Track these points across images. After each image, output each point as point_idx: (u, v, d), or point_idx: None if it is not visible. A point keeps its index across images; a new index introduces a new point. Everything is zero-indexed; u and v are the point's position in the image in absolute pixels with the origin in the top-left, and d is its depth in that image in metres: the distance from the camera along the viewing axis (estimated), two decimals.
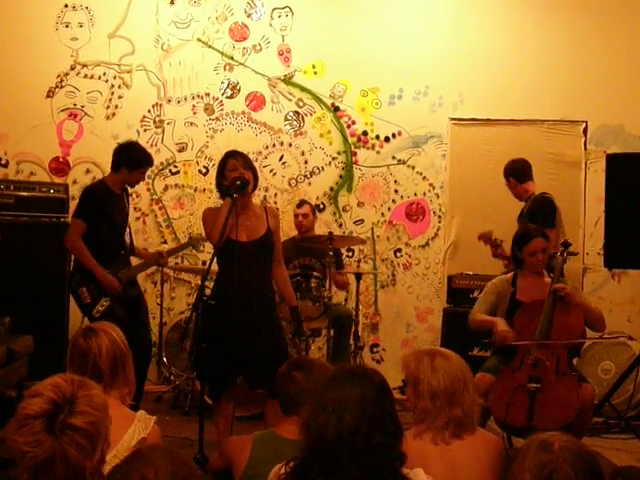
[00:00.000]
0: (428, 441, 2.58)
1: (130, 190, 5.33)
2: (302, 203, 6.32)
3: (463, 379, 2.64)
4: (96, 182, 5.25)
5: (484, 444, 2.67)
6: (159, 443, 2.49)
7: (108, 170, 6.57)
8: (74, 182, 6.54)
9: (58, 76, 6.59)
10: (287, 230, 6.43)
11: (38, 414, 1.71)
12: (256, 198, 4.42)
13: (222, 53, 6.77)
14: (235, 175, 4.08)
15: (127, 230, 5.14)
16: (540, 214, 5.45)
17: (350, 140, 6.84)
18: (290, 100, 6.82)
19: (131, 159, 4.99)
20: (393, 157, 6.85)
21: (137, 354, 4.93)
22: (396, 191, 6.86)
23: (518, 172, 5.73)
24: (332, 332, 5.70)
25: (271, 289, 4.28)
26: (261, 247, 4.15)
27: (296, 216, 6.21)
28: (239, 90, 6.79)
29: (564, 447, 1.77)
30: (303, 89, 6.81)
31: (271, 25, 6.81)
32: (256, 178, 4.22)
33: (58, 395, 1.74)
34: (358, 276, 5.98)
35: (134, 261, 5.32)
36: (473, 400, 2.66)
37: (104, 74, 6.65)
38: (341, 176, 6.85)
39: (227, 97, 6.78)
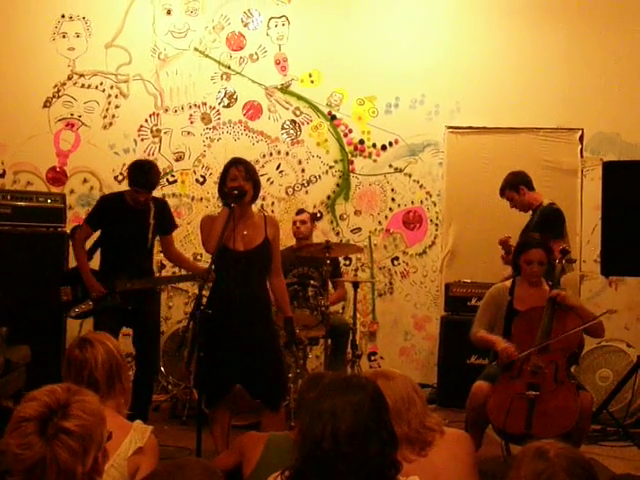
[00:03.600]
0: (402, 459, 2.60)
1: None
2: (301, 211, 6.34)
3: (407, 398, 2.64)
4: (117, 192, 5.34)
5: (456, 441, 2.73)
6: (155, 453, 2.49)
7: (105, 179, 6.66)
8: (71, 192, 6.55)
9: (55, 86, 6.61)
10: (284, 240, 6.42)
11: (31, 417, 1.73)
12: (254, 207, 4.40)
13: (219, 62, 6.79)
14: (234, 185, 4.08)
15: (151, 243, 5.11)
16: (551, 224, 5.43)
17: (347, 149, 6.86)
18: (287, 109, 6.83)
19: (128, 173, 5.07)
20: (390, 165, 6.87)
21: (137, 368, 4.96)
22: (393, 199, 6.87)
23: (526, 180, 5.67)
24: (329, 341, 5.69)
25: (267, 298, 4.28)
26: (257, 256, 4.14)
27: (294, 223, 6.22)
28: (236, 99, 6.80)
29: (560, 454, 1.77)
30: (300, 98, 6.83)
31: (268, 34, 6.84)
32: (257, 189, 4.21)
33: (52, 400, 1.76)
34: (355, 285, 5.97)
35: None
36: (424, 415, 2.67)
37: (101, 84, 6.67)
38: (338, 184, 6.86)
39: (224, 106, 6.79)
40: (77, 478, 1.71)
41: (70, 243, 5.47)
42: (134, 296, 4.94)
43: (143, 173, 4.94)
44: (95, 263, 5.14)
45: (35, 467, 1.70)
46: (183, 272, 5.64)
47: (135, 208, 4.98)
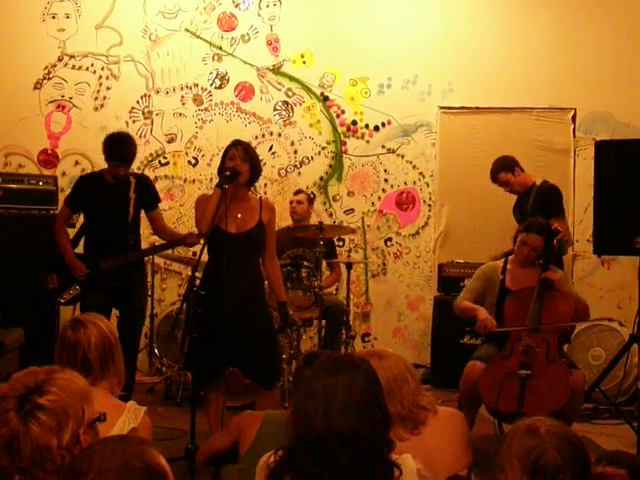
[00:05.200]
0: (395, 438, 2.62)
1: None
2: (299, 192, 6.34)
3: (400, 377, 2.66)
4: (94, 171, 5.28)
5: (449, 420, 2.76)
6: (149, 433, 2.50)
7: (97, 161, 6.61)
8: (63, 174, 6.52)
9: (45, 68, 6.57)
10: (278, 221, 6.40)
11: (9, 396, 1.78)
12: None
13: (210, 43, 6.75)
14: (230, 165, 4.07)
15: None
16: (550, 203, 5.44)
17: (339, 129, 6.84)
18: (279, 90, 6.80)
19: (103, 148, 4.98)
20: (383, 146, 6.85)
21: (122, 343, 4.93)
22: (386, 180, 6.86)
23: (516, 161, 5.67)
24: (324, 322, 5.70)
25: (261, 280, 4.27)
26: (250, 239, 4.13)
27: (291, 202, 6.22)
28: (228, 80, 6.77)
29: (550, 431, 1.78)
30: (292, 79, 6.80)
31: (259, 15, 6.79)
32: (255, 171, 4.17)
33: (31, 380, 1.81)
34: (349, 265, 5.98)
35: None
36: (417, 394, 2.68)
37: (92, 65, 6.63)
38: (331, 166, 6.85)
39: (216, 87, 6.76)
40: (53, 452, 1.74)
41: None
42: (120, 273, 4.91)
43: (119, 147, 4.90)
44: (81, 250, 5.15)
45: (11, 443, 1.74)
46: None
47: (114, 184, 4.95)
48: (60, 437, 1.75)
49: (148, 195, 5.10)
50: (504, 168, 5.63)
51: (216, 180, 4.24)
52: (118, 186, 4.95)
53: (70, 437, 1.76)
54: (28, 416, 1.74)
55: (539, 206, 5.38)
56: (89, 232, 5.06)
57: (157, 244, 5.39)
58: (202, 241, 4.08)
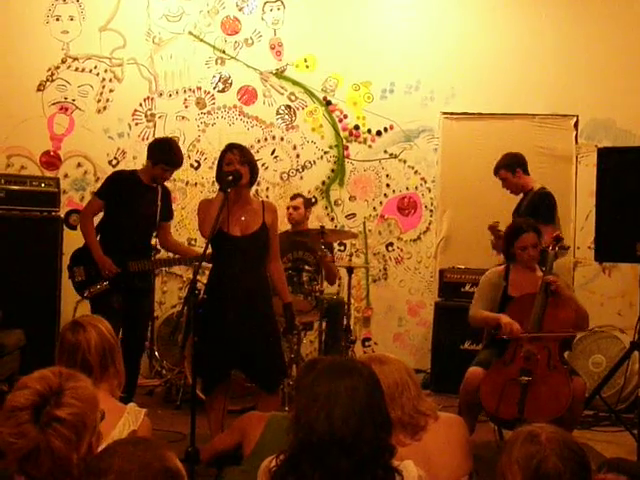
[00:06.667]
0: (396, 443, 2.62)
1: None
2: (295, 196, 6.36)
3: (401, 382, 2.66)
4: (129, 170, 5.37)
5: (450, 425, 2.78)
6: (149, 436, 2.49)
7: (99, 164, 6.65)
8: (65, 176, 6.53)
9: (49, 69, 6.57)
10: (279, 224, 6.41)
11: (24, 406, 1.73)
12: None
13: (214, 47, 6.76)
14: (230, 169, 4.07)
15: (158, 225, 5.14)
16: (542, 208, 5.45)
17: (342, 134, 6.84)
18: (282, 94, 6.81)
19: (154, 152, 5.04)
20: (385, 151, 6.86)
21: (128, 346, 4.94)
22: (388, 185, 6.86)
23: (523, 163, 5.69)
24: (324, 326, 5.70)
25: (265, 283, 4.27)
26: (254, 242, 4.13)
27: (287, 208, 6.24)
28: (231, 84, 6.78)
29: (551, 438, 1.77)
30: (295, 83, 6.80)
31: (263, 19, 6.80)
32: (254, 172, 4.19)
33: (44, 387, 1.75)
34: (350, 270, 5.97)
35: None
36: (417, 400, 2.68)
37: (95, 67, 6.63)
38: (333, 170, 6.85)
39: (219, 91, 6.77)
40: (72, 464, 1.72)
41: (63, 227, 5.50)
42: (140, 277, 5.00)
43: (175, 152, 5.03)
44: None
45: (30, 455, 1.70)
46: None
47: (147, 188, 5.01)
48: (79, 449, 1.73)
49: (168, 206, 5.21)
50: (507, 166, 5.68)
51: None
52: (150, 190, 5.02)
53: (86, 448, 1.74)
54: (47, 428, 1.70)
55: (531, 211, 5.40)
56: (112, 229, 4.98)
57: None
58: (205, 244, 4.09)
